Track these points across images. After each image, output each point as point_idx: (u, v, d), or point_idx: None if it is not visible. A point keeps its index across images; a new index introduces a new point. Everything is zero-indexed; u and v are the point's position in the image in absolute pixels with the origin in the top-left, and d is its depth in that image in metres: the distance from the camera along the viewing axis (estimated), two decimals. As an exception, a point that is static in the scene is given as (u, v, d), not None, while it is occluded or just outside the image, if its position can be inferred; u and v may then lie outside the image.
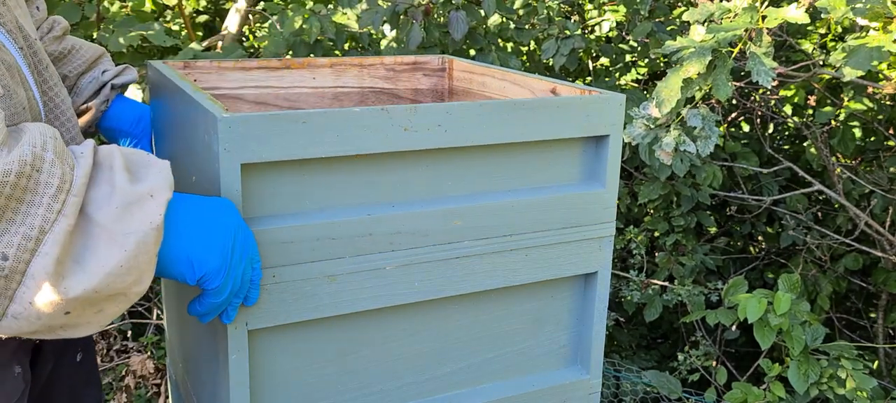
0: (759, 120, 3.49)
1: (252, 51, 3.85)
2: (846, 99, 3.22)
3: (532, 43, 3.22)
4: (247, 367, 1.00)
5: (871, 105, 3.19)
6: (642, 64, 3.63)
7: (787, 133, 3.77)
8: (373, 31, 2.81)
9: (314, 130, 0.95)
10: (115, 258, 0.76)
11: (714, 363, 2.96)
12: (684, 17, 1.99)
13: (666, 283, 3.04)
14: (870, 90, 3.13)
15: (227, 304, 0.92)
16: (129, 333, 2.73)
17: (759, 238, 3.75)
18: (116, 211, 0.77)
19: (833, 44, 3.36)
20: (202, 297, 0.90)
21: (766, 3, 1.87)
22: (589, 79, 3.59)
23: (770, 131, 3.66)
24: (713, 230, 3.64)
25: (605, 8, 3.49)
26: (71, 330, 0.79)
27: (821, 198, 3.42)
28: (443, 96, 1.64)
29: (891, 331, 3.28)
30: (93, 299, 0.76)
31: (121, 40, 2.51)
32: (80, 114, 1.31)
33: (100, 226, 0.77)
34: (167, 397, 2.44)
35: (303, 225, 0.98)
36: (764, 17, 1.82)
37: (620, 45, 3.48)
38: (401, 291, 1.07)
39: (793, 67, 2.50)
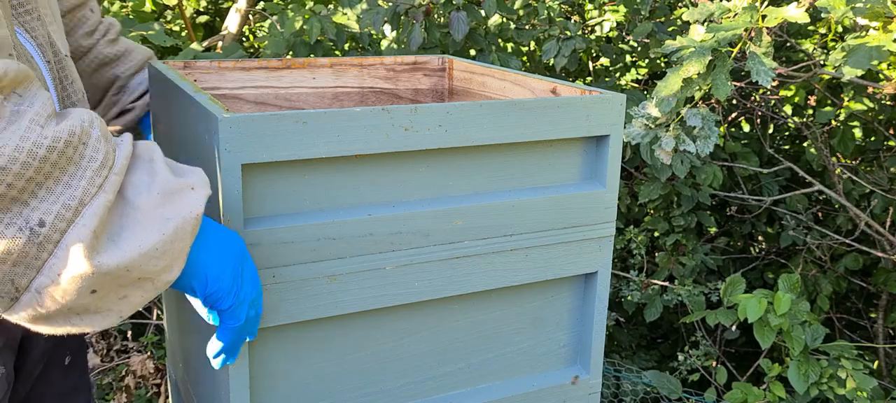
0: (759, 120, 3.49)
1: (252, 51, 3.86)
2: (846, 99, 3.22)
3: (532, 43, 3.22)
4: (247, 367, 1.00)
5: (871, 105, 3.19)
6: (642, 64, 3.63)
7: (787, 133, 3.77)
8: (373, 32, 2.81)
9: (314, 130, 0.95)
10: (151, 239, 0.76)
11: (714, 363, 2.96)
12: (684, 17, 1.99)
13: (666, 283, 3.04)
14: (870, 90, 3.13)
15: (241, 334, 0.92)
16: (129, 333, 2.73)
17: (759, 238, 3.75)
18: (157, 197, 0.77)
19: (833, 44, 3.36)
20: (222, 325, 0.89)
21: (765, 3, 1.87)
22: (589, 79, 3.59)
23: (770, 131, 3.66)
24: (713, 230, 3.64)
25: (606, 8, 3.49)
26: (89, 319, 0.77)
27: (821, 198, 3.42)
28: (443, 96, 1.64)
29: (891, 331, 3.28)
30: (122, 280, 0.75)
31: (121, 40, 2.51)
32: (122, 113, 1.41)
33: (139, 210, 0.76)
34: (167, 397, 2.44)
35: (303, 225, 0.98)
36: (764, 17, 1.82)
37: (620, 46, 3.47)
38: (401, 291, 1.07)
39: (793, 67, 2.50)
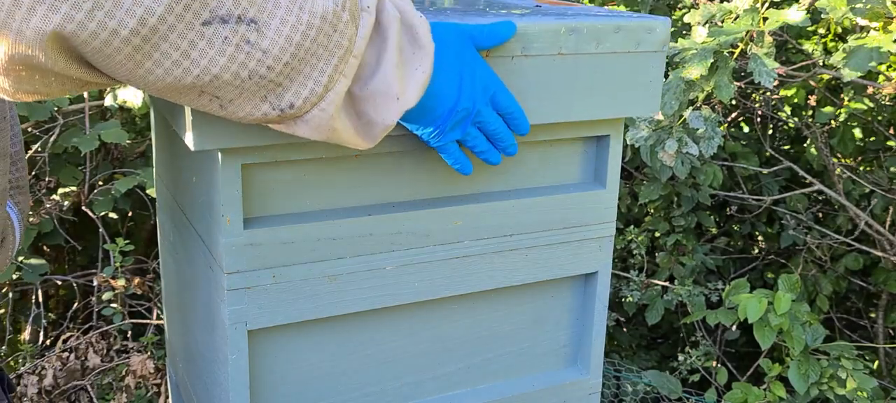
0: (759, 120, 3.48)
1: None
2: (846, 99, 3.22)
3: (532, 43, 3.21)
4: (247, 367, 1.00)
5: (871, 105, 3.19)
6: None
7: (787, 133, 3.77)
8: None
9: (314, 130, 0.95)
10: (349, 132, 0.83)
11: (714, 363, 2.96)
12: (686, 19, 1.99)
13: (666, 284, 3.04)
14: (870, 90, 3.13)
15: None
16: (129, 333, 2.73)
17: (759, 238, 3.75)
18: (367, 94, 0.82)
19: (833, 44, 3.36)
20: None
21: (766, 5, 1.87)
22: (589, 79, 3.57)
23: (770, 131, 3.66)
24: (713, 230, 3.64)
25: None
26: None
27: (821, 198, 3.41)
28: (443, 96, 1.64)
29: (891, 331, 3.28)
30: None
31: (121, 40, 2.51)
32: None
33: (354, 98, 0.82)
34: (167, 397, 2.44)
35: (303, 225, 0.98)
36: (765, 19, 1.82)
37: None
38: (401, 291, 1.07)
39: (793, 67, 2.50)
